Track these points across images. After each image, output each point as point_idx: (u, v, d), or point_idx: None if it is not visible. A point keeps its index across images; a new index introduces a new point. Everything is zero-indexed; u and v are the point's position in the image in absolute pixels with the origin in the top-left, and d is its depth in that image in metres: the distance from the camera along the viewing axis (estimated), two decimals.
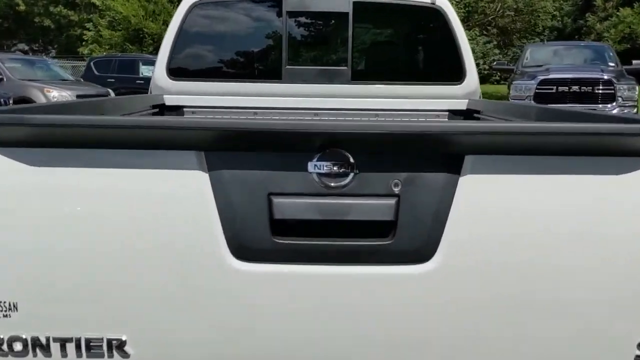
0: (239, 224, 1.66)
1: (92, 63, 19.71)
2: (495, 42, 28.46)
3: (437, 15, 3.90)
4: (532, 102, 11.96)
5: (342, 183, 1.67)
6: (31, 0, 36.86)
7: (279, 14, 3.89)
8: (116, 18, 28.35)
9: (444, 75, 4.00)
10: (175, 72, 3.92)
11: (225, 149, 1.68)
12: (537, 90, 12.49)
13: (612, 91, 12.32)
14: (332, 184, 1.67)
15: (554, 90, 12.45)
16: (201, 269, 1.67)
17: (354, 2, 3.80)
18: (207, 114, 3.87)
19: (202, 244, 1.66)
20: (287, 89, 3.87)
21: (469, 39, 4.13)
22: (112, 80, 18.05)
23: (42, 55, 32.89)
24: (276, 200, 1.66)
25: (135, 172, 1.67)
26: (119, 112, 3.04)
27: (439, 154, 1.71)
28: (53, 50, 39.45)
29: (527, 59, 14.56)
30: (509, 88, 13.84)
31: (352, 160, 1.67)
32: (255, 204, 1.66)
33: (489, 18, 28.37)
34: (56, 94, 13.84)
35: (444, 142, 1.69)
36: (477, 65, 4.03)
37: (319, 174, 1.67)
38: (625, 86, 12.45)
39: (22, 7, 36.75)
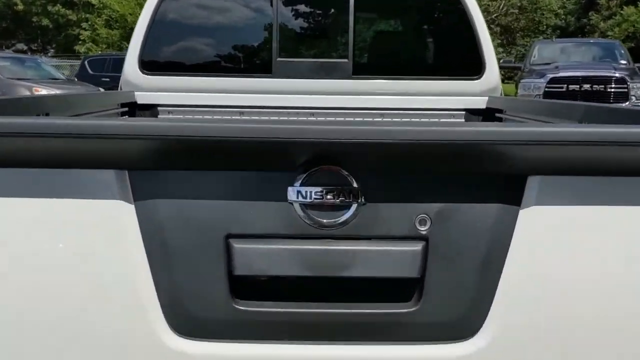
0: (182, 282, 1.11)
1: (86, 62, 20.38)
2: (498, 41, 28.57)
3: None
4: None
5: (341, 219, 1.19)
6: (29, 0, 36.87)
7: None
8: (113, 16, 28.46)
9: (460, 69, 3.66)
10: (149, 65, 3.56)
11: (161, 167, 1.15)
12: (546, 89, 12.45)
13: (626, 90, 12.19)
14: (325, 221, 1.20)
15: (564, 89, 12.40)
16: (123, 352, 1.11)
17: None
18: (185, 114, 3.42)
19: (124, 313, 1.11)
20: (278, 84, 3.54)
21: None
22: (107, 79, 18.20)
23: (41, 54, 32.97)
24: (238, 246, 1.16)
25: (21, 203, 1.11)
26: (71, 113, 2.53)
27: (488, 174, 1.16)
28: (52, 50, 39.56)
29: (535, 57, 14.52)
30: (516, 87, 13.64)
31: (354, 184, 1.17)
32: (206, 252, 1.16)
33: (492, 16, 28.53)
34: (45, 93, 13.62)
35: (497, 157, 1.13)
36: None
37: (304, 205, 1.18)
38: (639, 84, 12.18)
39: (20, 7, 36.88)
